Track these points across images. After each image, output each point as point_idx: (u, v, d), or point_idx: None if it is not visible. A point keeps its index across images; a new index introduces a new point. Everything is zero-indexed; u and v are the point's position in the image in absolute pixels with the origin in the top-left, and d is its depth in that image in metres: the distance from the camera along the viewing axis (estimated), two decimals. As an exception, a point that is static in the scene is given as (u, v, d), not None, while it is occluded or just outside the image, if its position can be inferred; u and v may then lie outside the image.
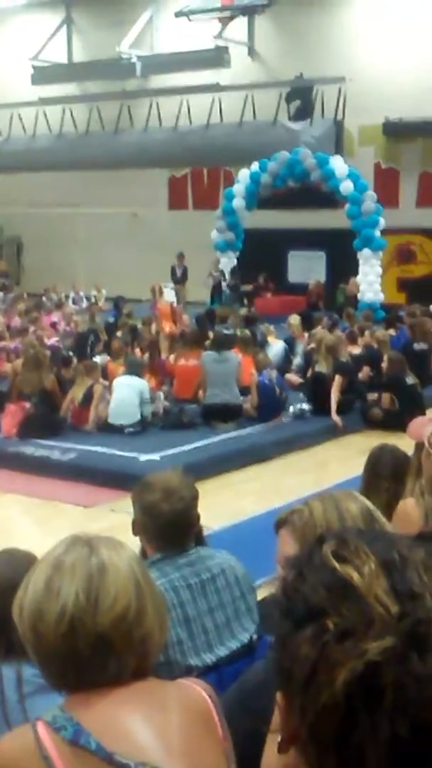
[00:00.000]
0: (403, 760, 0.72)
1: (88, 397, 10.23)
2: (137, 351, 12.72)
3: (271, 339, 13.56)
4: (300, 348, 13.37)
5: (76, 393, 10.32)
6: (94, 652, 1.57)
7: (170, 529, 2.82)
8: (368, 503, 2.02)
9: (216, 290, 21.96)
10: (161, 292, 18.93)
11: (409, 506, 3.60)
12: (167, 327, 15.72)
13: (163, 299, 18.40)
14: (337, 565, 0.80)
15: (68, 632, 1.57)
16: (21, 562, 2.52)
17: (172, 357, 12.09)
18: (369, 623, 0.75)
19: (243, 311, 16.94)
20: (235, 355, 10.85)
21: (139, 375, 10.49)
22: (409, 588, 0.77)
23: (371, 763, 0.73)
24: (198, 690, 1.65)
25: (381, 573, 0.78)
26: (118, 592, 1.60)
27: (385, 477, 4.26)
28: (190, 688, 1.66)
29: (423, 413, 4.04)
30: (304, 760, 0.81)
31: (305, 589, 0.80)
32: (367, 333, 13.26)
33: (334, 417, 10.63)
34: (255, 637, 2.89)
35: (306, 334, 13.69)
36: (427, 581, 0.78)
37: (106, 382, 10.82)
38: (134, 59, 24.04)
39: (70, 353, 12.55)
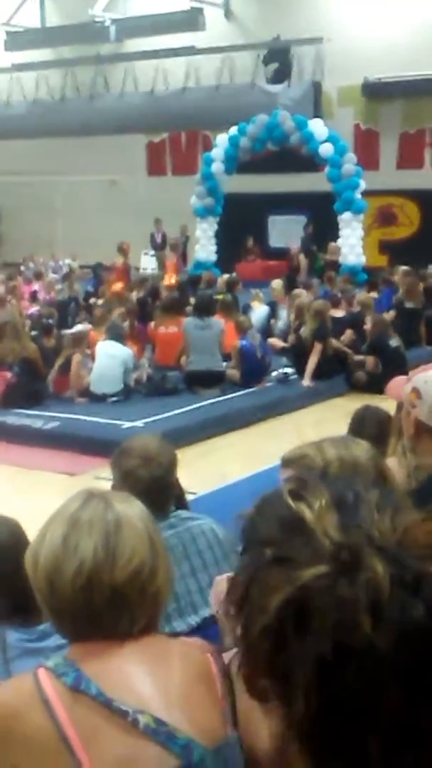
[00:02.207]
0: (326, 680, 0.76)
1: (66, 365, 10.19)
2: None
3: (255, 303, 13.53)
4: (283, 312, 13.36)
5: (60, 362, 10.31)
6: (109, 606, 1.61)
7: (149, 494, 2.80)
8: (372, 448, 2.05)
9: (182, 256, 21.92)
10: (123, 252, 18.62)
11: (391, 466, 3.62)
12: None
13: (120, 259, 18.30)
14: (291, 502, 0.84)
15: (85, 586, 1.61)
16: (2, 528, 2.54)
17: (152, 323, 12.04)
18: (312, 553, 0.79)
19: (224, 276, 16.89)
20: (217, 321, 10.81)
21: (121, 340, 10.45)
22: (357, 524, 0.81)
23: (299, 684, 0.77)
24: (200, 648, 1.68)
25: (332, 510, 0.82)
26: (135, 547, 1.64)
27: (368, 436, 4.26)
28: (193, 646, 1.69)
29: (406, 374, 4.02)
30: (246, 688, 0.85)
31: (261, 523, 0.85)
32: (345, 297, 13.25)
33: (306, 381, 10.70)
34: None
35: (287, 298, 13.67)
36: (377, 518, 0.81)
37: (89, 351, 10.78)
38: (108, 23, 23.68)
39: (51, 322, 12.48)
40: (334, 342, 11.20)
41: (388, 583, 0.76)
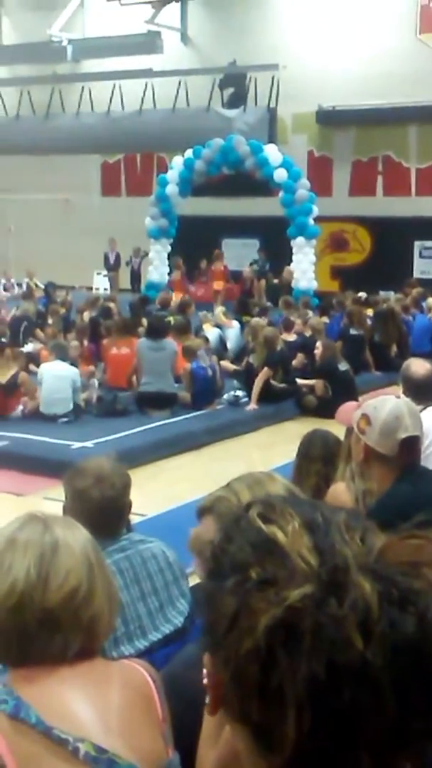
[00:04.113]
0: (318, 697, 0.77)
1: (11, 386, 10.07)
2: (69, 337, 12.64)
3: (207, 326, 13.59)
4: (230, 334, 13.45)
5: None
6: (41, 629, 1.60)
7: (100, 515, 2.80)
8: (289, 483, 2.02)
9: (135, 277, 22.03)
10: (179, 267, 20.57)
11: (340, 490, 3.65)
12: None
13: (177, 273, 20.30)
14: (262, 525, 0.84)
15: (16, 607, 1.60)
16: None
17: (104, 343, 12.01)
18: (291, 575, 0.79)
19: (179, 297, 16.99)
20: (171, 342, 10.80)
21: (67, 359, 10.41)
22: (331, 545, 0.81)
23: (290, 703, 0.77)
24: (140, 671, 1.67)
25: (304, 532, 0.83)
26: (69, 571, 1.63)
27: (316, 460, 4.31)
28: (133, 669, 1.68)
29: (356, 399, 4.07)
30: (230, 714, 0.84)
31: (231, 548, 0.84)
32: (300, 320, 13.36)
33: (252, 405, 10.77)
34: (188, 620, 2.90)
35: (234, 321, 13.81)
36: (348, 539, 0.82)
37: (39, 369, 10.70)
38: (65, 43, 23.71)
39: (3, 340, 12.39)
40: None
41: (376, 601, 0.78)
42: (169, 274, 20.72)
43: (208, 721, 0.93)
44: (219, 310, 14.58)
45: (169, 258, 20.68)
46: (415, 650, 0.77)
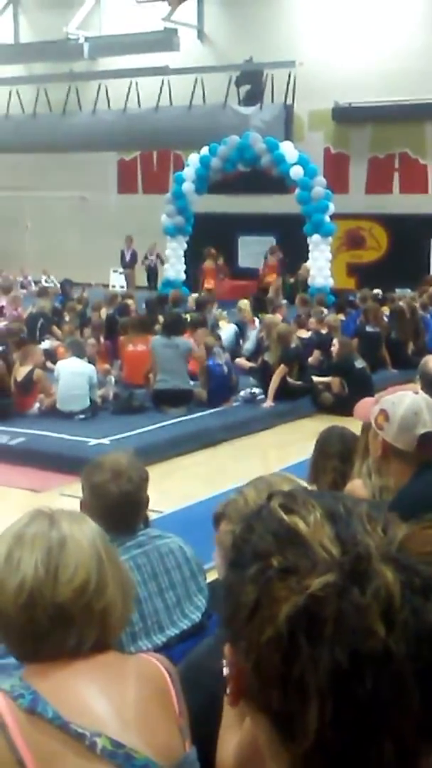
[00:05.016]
0: (340, 686, 0.77)
1: (28, 384, 10.10)
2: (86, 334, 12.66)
3: (222, 323, 13.56)
4: (251, 333, 13.40)
5: (16, 376, 10.21)
6: (53, 624, 1.60)
7: (117, 510, 2.81)
8: (303, 484, 2.02)
9: (152, 274, 22.04)
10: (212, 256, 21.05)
11: (357, 487, 3.65)
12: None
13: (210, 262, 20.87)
14: (284, 515, 0.85)
15: (27, 603, 1.60)
16: None
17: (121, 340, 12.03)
18: (313, 564, 0.80)
19: (193, 295, 16.94)
20: (185, 340, 10.81)
21: (84, 356, 10.43)
22: (353, 535, 0.82)
23: (312, 692, 0.77)
24: (156, 665, 1.67)
25: (326, 522, 0.83)
26: (78, 564, 1.63)
27: (333, 456, 4.30)
28: (149, 663, 1.68)
29: (372, 396, 4.07)
30: (251, 705, 0.84)
31: (253, 537, 0.85)
32: (315, 318, 13.33)
33: (268, 403, 10.74)
34: (205, 616, 2.90)
35: (256, 319, 13.75)
36: (370, 530, 0.83)
37: (51, 366, 10.75)
38: (82, 40, 23.73)
39: (24, 337, 12.43)
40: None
41: (399, 589, 0.78)
42: (186, 272, 20.68)
43: (229, 711, 0.93)
44: (243, 302, 14.40)
45: (185, 255, 20.66)
46: None
